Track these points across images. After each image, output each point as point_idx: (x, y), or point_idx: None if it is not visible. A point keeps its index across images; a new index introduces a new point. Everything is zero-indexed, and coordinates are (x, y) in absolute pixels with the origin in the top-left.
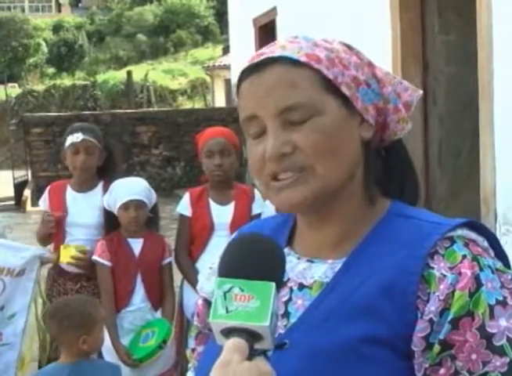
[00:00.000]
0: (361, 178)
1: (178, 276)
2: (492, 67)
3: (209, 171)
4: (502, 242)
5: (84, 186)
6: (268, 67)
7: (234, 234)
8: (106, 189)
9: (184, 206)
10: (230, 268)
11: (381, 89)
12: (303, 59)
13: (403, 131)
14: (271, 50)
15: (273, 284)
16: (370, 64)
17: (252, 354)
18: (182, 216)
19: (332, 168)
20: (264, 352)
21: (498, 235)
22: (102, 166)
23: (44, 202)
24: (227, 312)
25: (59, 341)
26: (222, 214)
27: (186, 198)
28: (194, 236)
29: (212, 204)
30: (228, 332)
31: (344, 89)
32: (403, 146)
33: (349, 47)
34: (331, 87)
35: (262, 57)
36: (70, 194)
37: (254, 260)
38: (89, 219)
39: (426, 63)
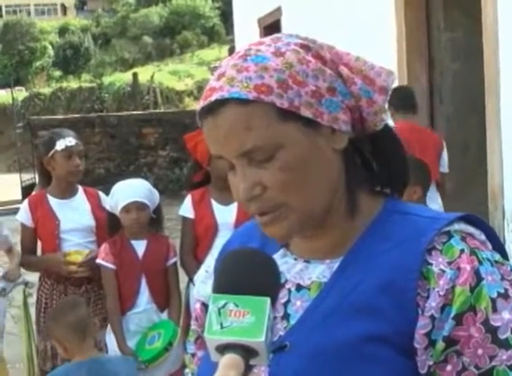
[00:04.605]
0: (345, 184)
1: (184, 277)
2: (498, 63)
3: (223, 172)
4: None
5: (67, 193)
6: (220, 111)
7: (227, 238)
8: (87, 193)
9: (186, 208)
10: (224, 284)
11: (349, 88)
12: (252, 95)
13: (383, 121)
14: (220, 86)
15: (268, 299)
16: (333, 60)
17: (247, 370)
18: (185, 219)
19: (307, 197)
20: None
21: (506, 233)
22: None
23: (26, 216)
24: (222, 327)
25: (88, 333)
26: (226, 214)
27: (188, 200)
28: (199, 237)
29: (215, 205)
30: (224, 348)
31: (304, 111)
32: (390, 132)
33: (307, 47)
34: (289, 114)
35: (212, 98)
36: (55, 202)
37: (248, 275)
38: (82, 223)
39: (431, 60)
